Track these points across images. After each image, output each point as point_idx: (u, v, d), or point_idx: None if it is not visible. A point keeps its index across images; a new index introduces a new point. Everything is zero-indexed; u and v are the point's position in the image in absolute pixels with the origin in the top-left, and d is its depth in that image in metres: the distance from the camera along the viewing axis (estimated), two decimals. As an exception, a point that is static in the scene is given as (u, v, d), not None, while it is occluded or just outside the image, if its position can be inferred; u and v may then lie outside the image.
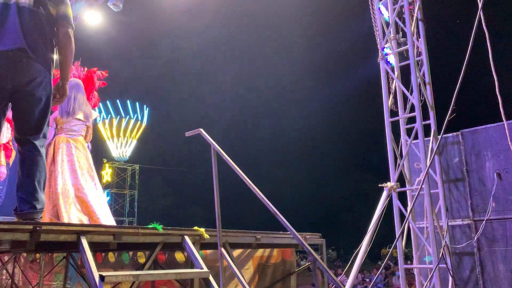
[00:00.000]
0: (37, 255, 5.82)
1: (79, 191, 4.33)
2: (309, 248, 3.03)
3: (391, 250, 5.67)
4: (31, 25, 2.87)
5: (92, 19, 11.95)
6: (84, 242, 2.68)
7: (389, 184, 6.01)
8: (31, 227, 2.51)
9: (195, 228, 3.54)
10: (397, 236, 5.47)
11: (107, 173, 24.27)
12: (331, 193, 39.70)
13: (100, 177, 23.65)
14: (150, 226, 3.21)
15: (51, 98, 3.02)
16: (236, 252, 4.67)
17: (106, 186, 24.29)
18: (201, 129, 3.53)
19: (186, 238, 3.33)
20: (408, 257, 15.38)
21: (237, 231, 4.01)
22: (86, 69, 6.91)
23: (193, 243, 3.35)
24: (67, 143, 4.55)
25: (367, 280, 15.97)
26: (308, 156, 44.20)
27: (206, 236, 3.53)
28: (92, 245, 2.76)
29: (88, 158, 4.69)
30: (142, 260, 4.69)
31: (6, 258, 5.88)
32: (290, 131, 44.13)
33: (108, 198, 24.29)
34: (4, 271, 6.23)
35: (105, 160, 24.29)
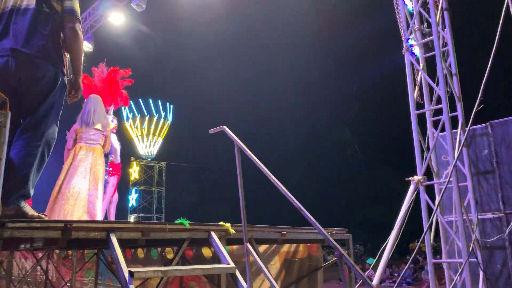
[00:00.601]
0: (69, 252, 6.00)
1: (90, 195, 4.96)
2: (335, 243, 3.02)
3: (418, 244, 5.59)
4: (30, 25, 2.90)
5: (115, 20, 12.19)
6: (114, 239, 2.74)
7: (416, 177, 5.93)
8: (62, 225, 2.59)
9: (221, 223, 3.57)
10: (425, 230, 5.39)
11: (135, 171, 24.65)
12: (358, 187, 39.28)
13: (128, 174, 24.15)
14: (177, 221, 3.26)
15: (58, 94, 2.96)
16: (262, 248, 4.70)
17: (134, 184, 24.70)
18: (225, 126, 3.56)
19: (212, 233, 3.37)
20: (437, 252, 15.10)
21: (263, 226, 4.03)
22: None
23: (219, 239, 3.39)
24: (86, 150, 5.12)
25: (395, 274, 15.78)
26: (333, 150, 43.87)
27: (232, 231, 3.56)
28: (121, 241, 2.83)
29: (102, 165, 5.27)
30: (170, 256, 4.77)
31: (40, 255, 6.08)
32: (313, 124, 43.87)
33: (136, 195, 24.70)
34: (38, 268, 6.44)
35: (132, 158, 24.67)
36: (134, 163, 24.68)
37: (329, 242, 3.04)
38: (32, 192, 2.84)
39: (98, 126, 5.30)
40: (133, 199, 24.60)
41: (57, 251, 6.34)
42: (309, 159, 44.87)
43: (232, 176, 3.54)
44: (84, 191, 4.86)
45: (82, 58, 3.16)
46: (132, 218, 23.61)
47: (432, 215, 5.40)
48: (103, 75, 6.96)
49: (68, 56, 3.11)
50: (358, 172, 40.76)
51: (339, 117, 41.89)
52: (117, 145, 6.77)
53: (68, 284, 5.84)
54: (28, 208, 2.78)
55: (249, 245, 3.35)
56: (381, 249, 5.89)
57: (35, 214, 2.79)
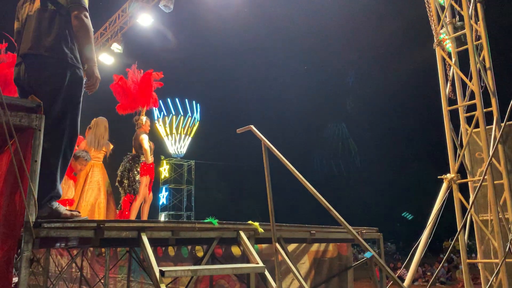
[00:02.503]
0: (103, 249, 6.14)
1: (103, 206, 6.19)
2: (365, 244, 2.98)
3: (452, 243, 5.45)
4: (36, 27, 2.94)
5: (144, 21, 12.38)
6: (144, 238, 2.79)
7: (449, 175, 5.78)
8: (95, 224, 2.66)
9: (250, 222, 3.57)
10: (458, 230, 5.25)
11: (165, 169, 25.04)
12: (390, 185, 38.62)
13: (158, 173, 24.53)
14: (206, 220, 3.28)
15: (72, 88, 2.94)
16: (292, 247, 4.68)
17: (164, 182, 25.09)
18: (252, 126, 3.55)
19: (241, 233, 3.37)
20: (473, 250, 14.65)
21: (291, 226, 4.00)
22: (142, 71, 7.19)
23: (248, 238, 3.39)
24: (95, 167, 6.39)
25: (429, 273, 15.43)
26: (364, 147, 43.36)
27: (261, 230, 3.55)
28: (152, 240, 2.87)
29: (107, 178, 6.57)
30: (200, 254, 4.82)
31: (75, 252, 6.25)
32: (343, 121, 43.46)
33: (167, 193, 25.06)
34: (74, 265, 6.63)
35: (162, 157, 25.07)
36: (164, 161, 25.06)
37: (359, 242, 3.00)
38: (61, 191, 2.90)
39: (103, 148, 6.62)
40: (163, 197, 24.99)
41: (91, 249, 6.51)
42: (340, 155, 44.47)
43: (260, 175, 3.53)
44: (101, 202, 6.11)
45: (92, 46, 3.06)
46: (162, 216, 23.98)
47: (466, 214, 5.25)
48: (136, 76, 7.11)
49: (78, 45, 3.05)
50: (391, 169, 40.07)
51: (370, 114, 41.34)
52: (147, 146, 6.87)
53: (102, 281, 5.98)
54: (61, 207, 2.84)
55: (277, 245, 3.34)
56: (413, 248, 5.77)
57: (69, 213, 2.85)
